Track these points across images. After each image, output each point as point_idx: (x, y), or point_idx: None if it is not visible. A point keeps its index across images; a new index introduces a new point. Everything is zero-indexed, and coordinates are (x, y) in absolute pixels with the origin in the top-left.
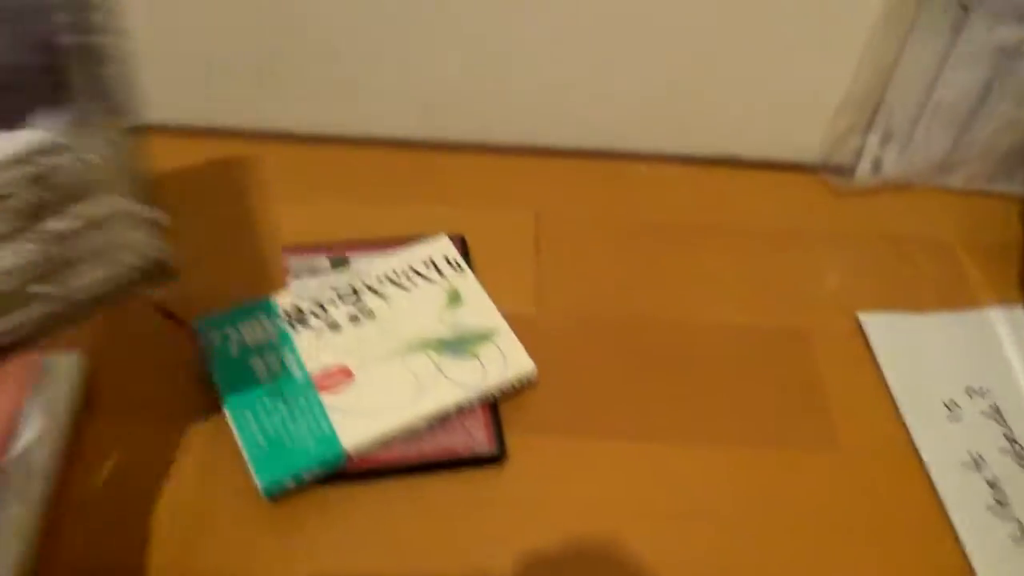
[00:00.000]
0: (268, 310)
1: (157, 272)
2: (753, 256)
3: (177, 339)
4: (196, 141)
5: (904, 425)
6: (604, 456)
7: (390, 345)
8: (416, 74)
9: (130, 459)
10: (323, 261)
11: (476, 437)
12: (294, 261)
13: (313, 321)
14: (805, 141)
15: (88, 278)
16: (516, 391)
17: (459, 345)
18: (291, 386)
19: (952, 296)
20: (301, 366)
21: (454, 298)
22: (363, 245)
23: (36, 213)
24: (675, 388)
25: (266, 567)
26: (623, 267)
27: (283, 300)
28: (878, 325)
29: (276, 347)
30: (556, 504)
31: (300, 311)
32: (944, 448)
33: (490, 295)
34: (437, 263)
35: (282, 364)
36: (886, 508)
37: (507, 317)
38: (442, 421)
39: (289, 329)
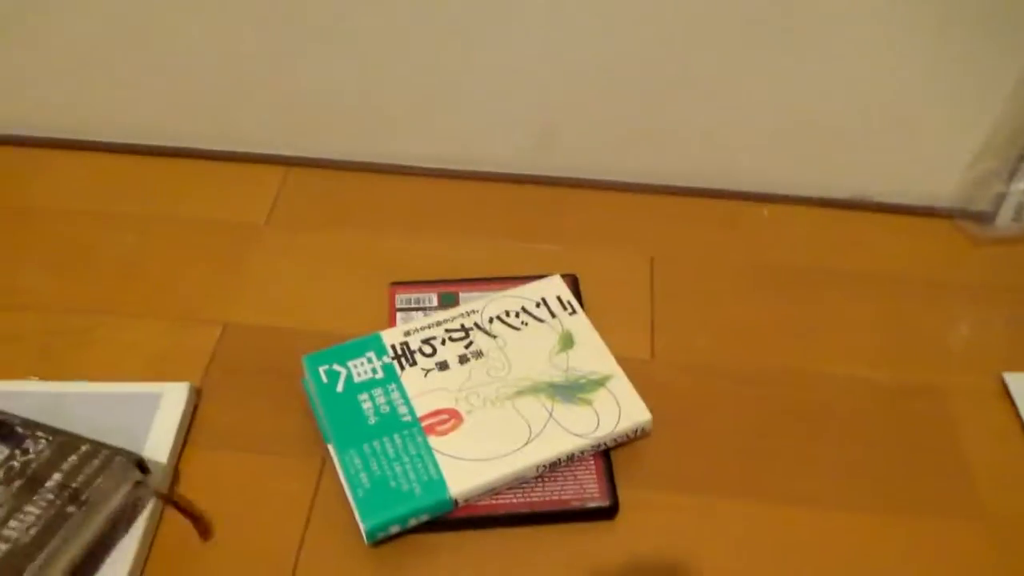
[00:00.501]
0: (376, 346)
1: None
2: (885, 305)
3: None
4: (303, 171)
5: None
6: (722, 515)
7: (500, 388)
8: (531, 106)
9: (231, 492)
10: (432, 298)
11: (588, 489)
12: (402, 297)
13: (421, 360)
14: (941, 184)
15: None
16: (630, 440)
17: (572, 391)
18: (398, 427)
19: None
20: (409, 406)
21: (567, 341)
22: (473, 283)
23: None
24: (801, 445)
25: None
26: (744, 314)
27: (390, 337)
28: None
29: (383, 385)
30: (669, 563)
31: (408, 348)
32: None
33: (603, 338)
34: (549, 303)
35: (390, 403)
36: None
37: (620, 362)
38: (552, 470)
39: (397, 367)
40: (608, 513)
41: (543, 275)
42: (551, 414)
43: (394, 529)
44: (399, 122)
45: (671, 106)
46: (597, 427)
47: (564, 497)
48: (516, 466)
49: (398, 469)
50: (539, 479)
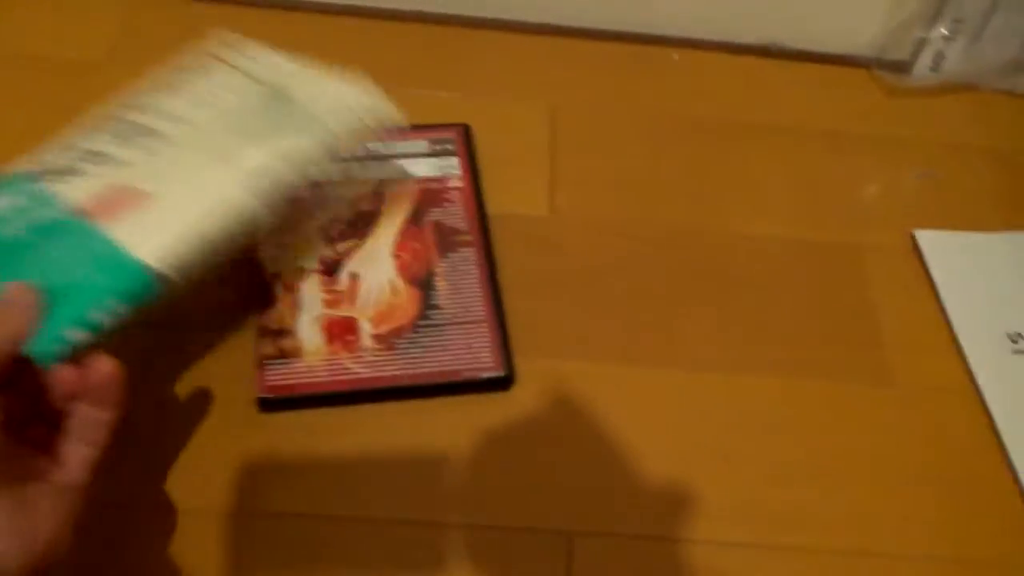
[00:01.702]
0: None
1: None
2: (796, 160)
3: None
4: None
5: (963, 358)
6: (624, 383)
7: (197, 159)
8: None
9: None
10: None
11: (481, 359)
12: None
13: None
14: (858, 31)
15: None
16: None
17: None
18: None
19: (1018, 214)
20: (56, 204)
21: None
22: None
23: None
24: (708, 308)
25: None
26: (650, 169)
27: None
28: (936, 244)
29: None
30: (568, 434)
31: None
32: (1007, 385)
33: (499, 193)
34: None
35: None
36: (942, 449)
37: (516, 219)
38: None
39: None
40: (503, 383)
41: (431, 124)
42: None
43: (84, 336)
44: None
45: None
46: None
47: (456, 368)
48: (224, 197)
49: (60, 270)
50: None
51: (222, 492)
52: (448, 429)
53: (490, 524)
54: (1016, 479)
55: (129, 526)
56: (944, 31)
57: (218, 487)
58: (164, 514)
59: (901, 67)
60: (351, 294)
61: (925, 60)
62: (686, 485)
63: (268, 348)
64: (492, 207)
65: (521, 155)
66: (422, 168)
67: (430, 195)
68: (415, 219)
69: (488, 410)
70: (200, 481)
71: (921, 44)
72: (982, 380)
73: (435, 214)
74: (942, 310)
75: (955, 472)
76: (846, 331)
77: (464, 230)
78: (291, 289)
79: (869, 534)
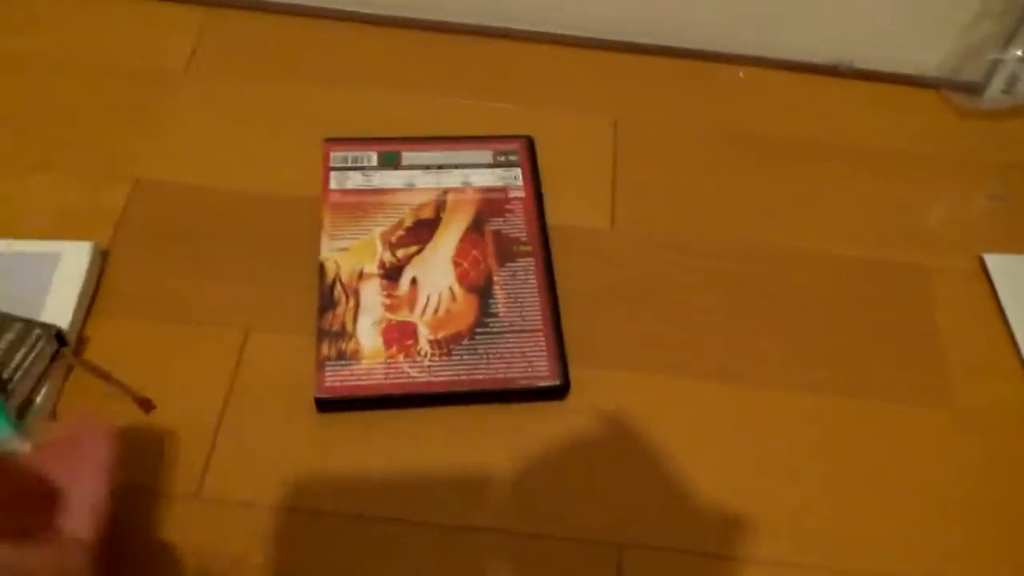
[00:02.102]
0: None
1: None
2: (864, 179)
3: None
4: (225, 12)
5: None
6: (680, 395)
7: None
8: None
9: (142, 362)
10: (371, 156)
11: (537, 367)
12: (337, 155)
13: None
14: (929, 52)
15: None
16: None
17: None
18: None
19: None
20: None
21: None
22: (417, 141)
23: None
24: (767, 325)
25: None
26: (713, 184)
27: None
28: (1005, 268)
29: None
30: (621, 444)
31: None
32: None
33: (560, 207)
34: None
35: None
36: (1004, 476)
37: (577, 232)
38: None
39: None
40: (558, 393)
41: (495, 136)
42: None
43: None
44: None
45: None
46: None
47: (512, 376)
48: None
49: None
50: (485, 358)
51: (276, 488)
52: (502, 436)
53: (539, 533)
54: None
55: (178, 518)
56: (1019, 53)
57: (273, 483)
58: (212, 505)
59: (973, 88)
60: (411, 299)
61: (998, 82)
62: (739, 503)
63: (328, 349)
64: (552, 218)
65: (583, 168)
66: (485, 178)
67: (491, 205)
68: (476, 228)
69: (542, 419)
70: (255, 476)
71: (995, 66)
72: None
73: (496, 223)
74: (1010, 334)
75: (1013, 503)
76: (910, 353)
77: (524, 240)
78: (352, 293)
79: (926, 560)
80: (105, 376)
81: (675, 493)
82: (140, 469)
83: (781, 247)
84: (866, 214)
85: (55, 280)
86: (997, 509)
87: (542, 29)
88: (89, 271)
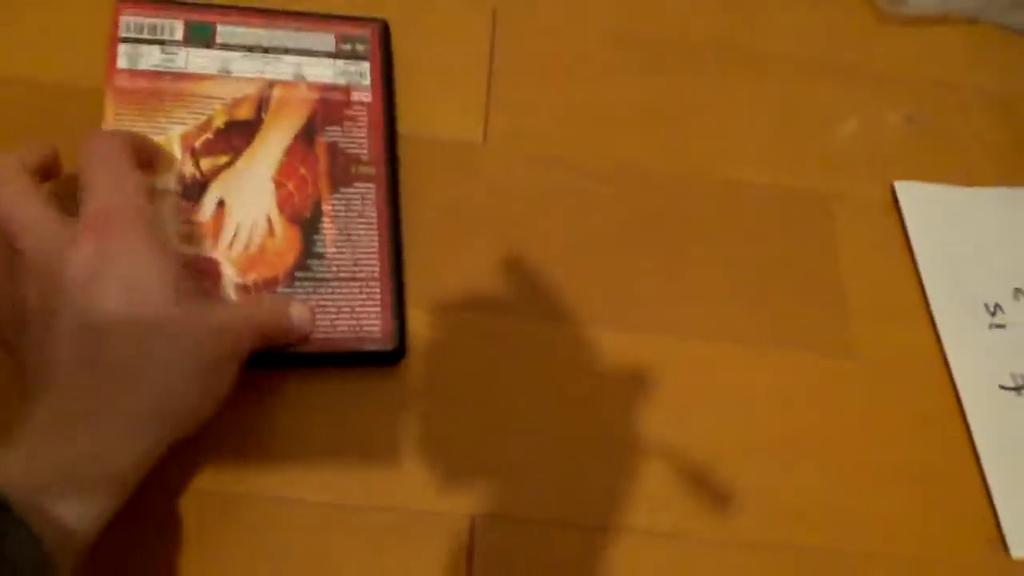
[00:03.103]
0: None
1: None
2: (770, 89)
3: None
4: None
5: (935, 329)
6: (553, 345)
7: None
8: None
9: None
10: (175, 27)
11: (367, 326)
12: (131, 22)
13: None
14: None
15: None
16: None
17: None
18: None
19: (1012, 167)
20: None
21: None
22: (240, 12)
23: None
24: (660, 262)
25: None
26: (603, 93)
27: None
28: (916, 197)
29: None
30: (470, 404)
31: None
32: (981, 364)
33: (425, 112)
34: None
35: None
36: (904, 433)
37: (442, 145)
38: None
39: None
40: (391, 358)
41: (341, 16)
42: None
43: None
44: None
45: None
46: None
47: (335, 335)
48: None
49: None
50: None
51: None
52: (327, 403)
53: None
54: (981, 471)
55: None
56: None
57: None
58: None
59: None
60: (215, 228)
61: None
62: (621, 464)
63: None
64: (406, 127)
65: (452, 65)
66: (324, 71)
67: (329, 108)
68: (306, 137)
69: (375, 384)
70: None
71: None
72: (953, 356)
73: (332, 134)
74: (916, 273)
75: (914, 460)
76: (814, 295)
77: (366, 159)
78: None
79: (822, 524)
80: None
81: (535, 460)
82: None
83: (676, 169)
84: (770, 132)
85: None
86: (893, 464)
87: None
88: None
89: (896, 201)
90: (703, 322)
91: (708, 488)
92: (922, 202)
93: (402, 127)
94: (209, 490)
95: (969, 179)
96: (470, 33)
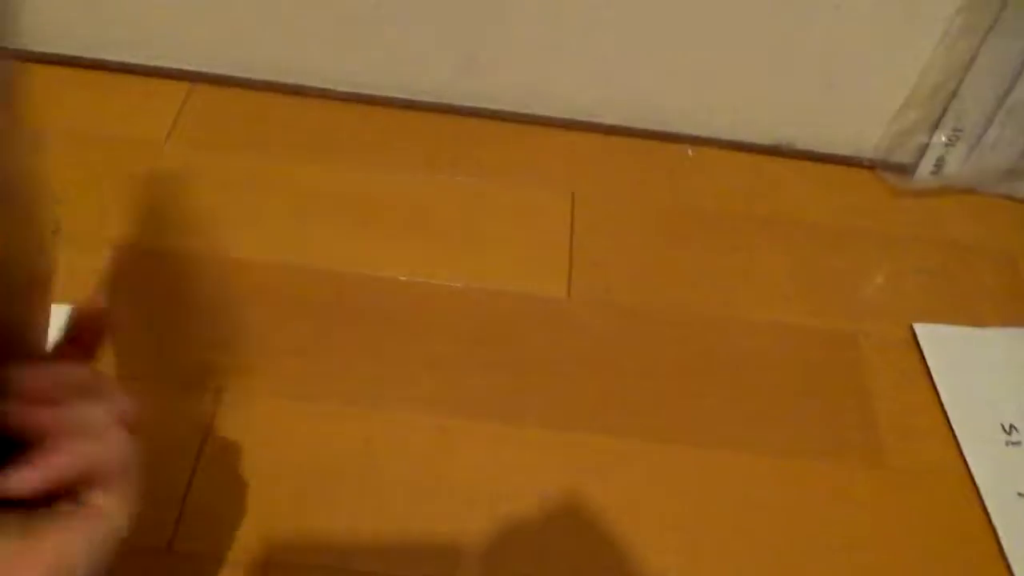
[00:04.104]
0: None
1: None
2: (804, 252)
3: None
4: (209, 88)
5: (958, 447)
6: (620, 456)
7: None
8: (455, 29)
9: None
10: None
11: None
12: None
13: None
14: (865, 135)
15: None
16: None
17: None
18: None
19: (1014, 311)
20: None
21: None
22: None
23: None
24: (706, 386)
25: None
26: (663, 256)
27: None
28: (934, 337)
29: None
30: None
31: None
32: (1001, 476)
33: (518, 276)
34: None
35: None
36: (934, 536)
37: (534, 301)
38: None
39: None
40: None
41: None
42: None
43: None
44: (313, 38)
45: (603, 41)
46: None
47: None
48: None
49: None
50: None
51: None
52: None
53: None
54: (1008, 568)
55: None
56: (944, 139)
57: None
58: None
59: (904, 169)
60: None
61: (927, 164)
62: (667, 564)
63: None
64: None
65: (542, 239)
66: None
67: None
68: None
69: None
70: None
71: (923, 149)
72: (975, 468)
73: None
74: (938, 399)
75: (944, 562)
76: (846, 416)
77: None
78: None
79: None
80: None
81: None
82: None
83: (723, 316)
84: (803, 284)
85: None
86: (925, 566)
87: (504, 108)
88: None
89: (916, 340)
90: (743, 435)
91: None
92: (939, 340)
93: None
94: None
95: (978, 321)
96: (555, 212)
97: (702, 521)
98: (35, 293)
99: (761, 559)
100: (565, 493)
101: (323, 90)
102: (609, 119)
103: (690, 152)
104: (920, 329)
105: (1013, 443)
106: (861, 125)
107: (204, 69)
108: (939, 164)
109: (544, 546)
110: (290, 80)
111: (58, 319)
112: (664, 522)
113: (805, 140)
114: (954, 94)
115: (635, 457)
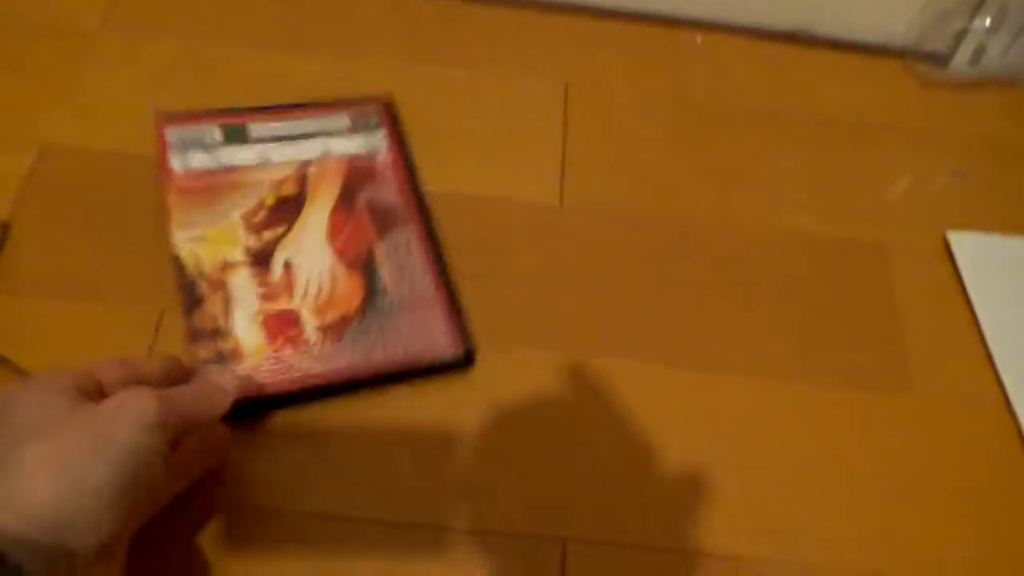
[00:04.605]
0: None
1: None
2: (824, 151)
3: None
4: None
5: (994, 370)
6: (626, 377)
7: None
8: None
9: (47, 345)
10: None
11: (437, 341)
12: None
13: None
14: (894, 19)
15: None
16: None
17: None
18: None
19: None
20: None
21: None
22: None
23: None
24: (721, 305)
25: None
26: (668, 156)
27: None
28: (969, 247)
29: None
30: (536, 421)
31: None
32: None
33: (504, 177)
34: None
35: None
36: (965, 468)
37: (524, 209)
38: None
39: None
40: (463, 364)
41: (353, 98)
42: None
43: None
44: None
45: None
46: None
47: (410, 354)
48: None
49: None
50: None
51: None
52: (411, 417)
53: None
54: None
55: None
56: (987, 23)
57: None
58: None
59: (938, 59)
60: (287, 285)
61: (964, 53)
62: (693, 493)
63: (204, 351)
64: (494, 190)
65: (532, 137)
66: (346, 145)
67: (359, 173)
68: (346, 199)
69: (452, 395)
70: None
71: (961, 35)
72: (1014, 395)
73: (367, 192)
74: (973, 316)
75: (977, 495)
76: (870, 336)
77: (400, 206)
78: (218, 285)
79: (889, 552)
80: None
81: (613, 482)
82: None
83: (734, 222)
84: (824, 188)
85: None
86: (955, 499)
87: None
88: None
89: (948, 249)
90: (765, 361)
91: (786, 516)
92: (974, 251)
93: (490, 190)
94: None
95: (1019, 229)
96: (546, 106)
97: (716, 451)
98: None
99: (784, 490)
100: (543, 414)
101: None
102: (608, 2)
103: (698, 39)
104: (954, 238)
105: None
106: (890, 8)
107: None
108: (978, 53)
109: (519, 478)
110: None
111: None
112: (667, 449)
113: (827, 25)
114: None
115: (631, 381)
